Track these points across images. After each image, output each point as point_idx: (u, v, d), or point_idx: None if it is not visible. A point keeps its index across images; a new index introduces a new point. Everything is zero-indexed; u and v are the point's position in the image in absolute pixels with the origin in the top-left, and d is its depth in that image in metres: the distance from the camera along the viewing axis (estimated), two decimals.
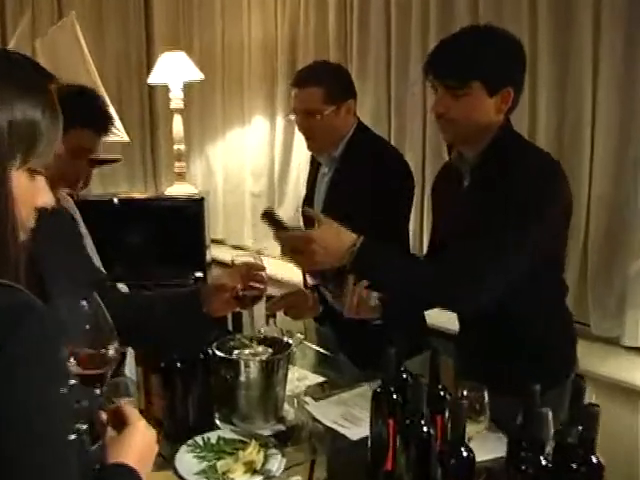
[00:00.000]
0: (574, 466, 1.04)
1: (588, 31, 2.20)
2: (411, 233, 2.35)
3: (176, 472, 1.38)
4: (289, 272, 3.21)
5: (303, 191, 2.32)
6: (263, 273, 1.59)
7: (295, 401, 1.73)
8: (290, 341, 1.67)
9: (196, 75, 3.56)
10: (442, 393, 1.32)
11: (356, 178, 1.96)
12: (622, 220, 2.20)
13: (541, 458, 1.10)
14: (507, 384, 1.49)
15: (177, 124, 3.62)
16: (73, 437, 0.77)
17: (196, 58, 3.70)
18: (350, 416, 1.64)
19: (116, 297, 1.58)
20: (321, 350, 2.14)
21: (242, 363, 1.57)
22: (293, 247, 1.52)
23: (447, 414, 1.24)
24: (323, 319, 2.10)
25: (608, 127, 2.20)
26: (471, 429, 1.21)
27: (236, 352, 1.62)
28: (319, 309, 2.03)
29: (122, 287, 2.10)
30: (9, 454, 0.69)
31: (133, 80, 4.08)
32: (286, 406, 1.67)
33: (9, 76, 0.78)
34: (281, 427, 1.60)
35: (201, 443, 1.48)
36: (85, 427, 0.81)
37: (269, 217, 1.60)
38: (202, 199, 3.52)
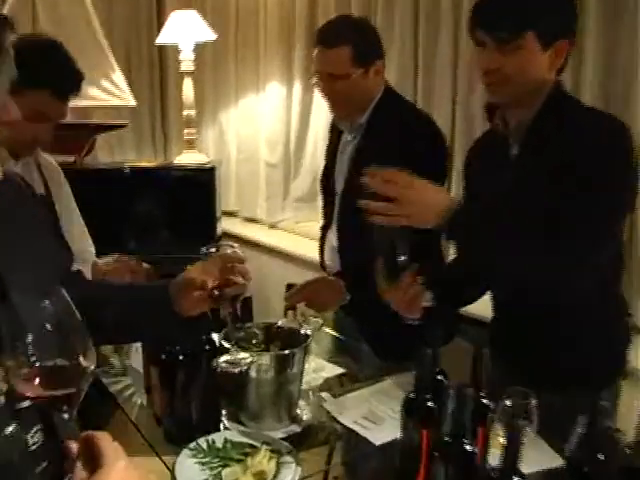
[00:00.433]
0: None
1: None
2: None
3: None
4: (305, 248, 3.06)
5: (321, 161, 2.13)
6: (245, 265, 1.28)
7: (311, 396, 1.57)
8: (308, 332, 1.48)
9: (208, 35, 3.36)
10: (485, 401, 1.13)
11: (385, 146, 1.73)
12: None
13: None
14: (551, 382, 1.33)
15: (187, 88, 3.44)
16: None
17: (208, 17, 3.49)
18: (371, 415, 1.49)
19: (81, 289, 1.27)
20: (340, 336, 1.96)
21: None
22: (388, 185, 1.29)
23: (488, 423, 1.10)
24: (349, 308, 1.91)
25: None
26: None
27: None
28: (346, 297, 1.83)
29: (108, 260, 1.90)
30: None
31: (142, 40, 3.86)
32: (301, 402, 1.51)
33: None
34: (295, 428, 1.44)
35: (205, 447, 1.31)
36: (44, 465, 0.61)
37: None
38: (213, 168, 3.35)
